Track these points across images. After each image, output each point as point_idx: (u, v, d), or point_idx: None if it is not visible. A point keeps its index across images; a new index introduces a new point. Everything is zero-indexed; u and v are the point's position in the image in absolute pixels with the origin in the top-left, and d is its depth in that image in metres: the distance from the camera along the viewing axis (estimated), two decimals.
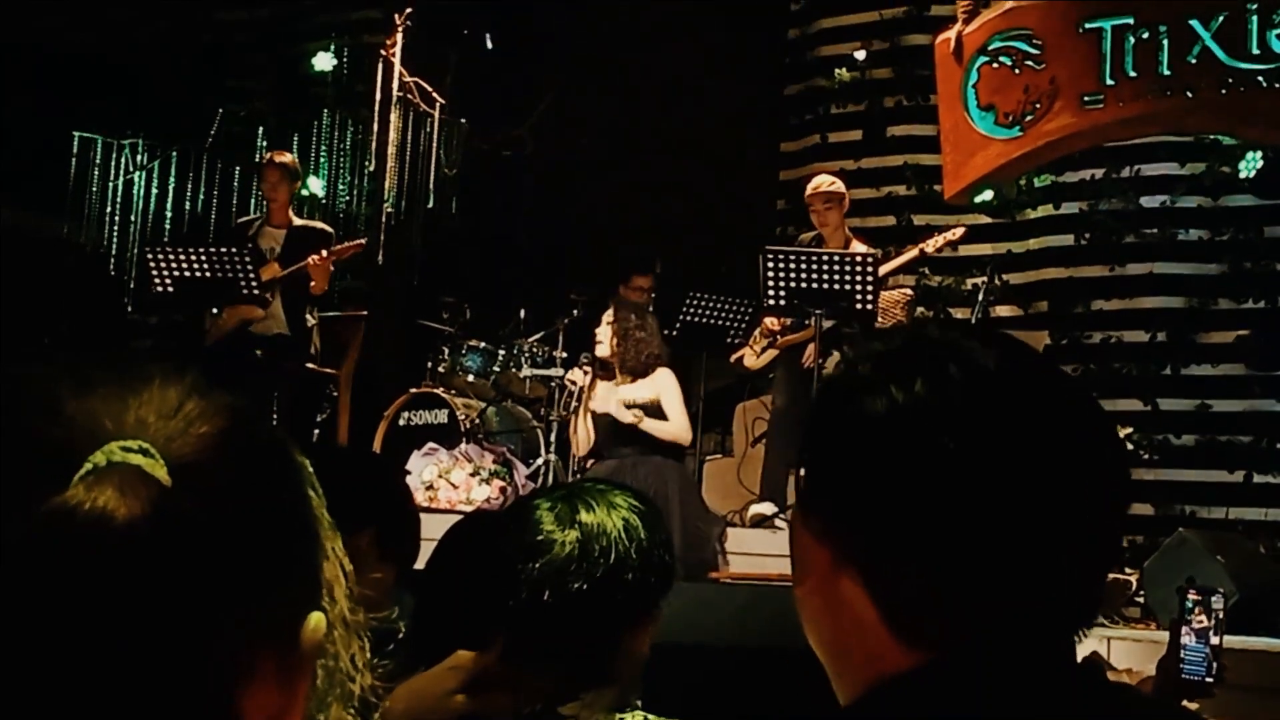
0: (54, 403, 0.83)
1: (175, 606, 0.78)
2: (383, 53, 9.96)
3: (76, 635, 0.76)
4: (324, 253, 8.42)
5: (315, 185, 12.21)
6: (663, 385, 7.45)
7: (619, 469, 7.11)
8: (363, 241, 8.82)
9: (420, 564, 2.72)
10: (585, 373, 7.75)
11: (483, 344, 9.77)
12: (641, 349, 7.47)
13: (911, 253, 8.60)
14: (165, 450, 0.81)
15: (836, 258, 7.72)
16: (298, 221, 8.92)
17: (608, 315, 7.62)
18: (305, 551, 0.89)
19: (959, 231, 8.61)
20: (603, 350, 7.56)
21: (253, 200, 9.05)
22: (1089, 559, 1.13)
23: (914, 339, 1.19)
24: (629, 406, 7.35)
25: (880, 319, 7.95)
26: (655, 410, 7.37)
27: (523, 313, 10.14)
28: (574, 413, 7.82)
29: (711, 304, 8.80)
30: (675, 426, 7.42)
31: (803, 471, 1.19)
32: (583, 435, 7.64)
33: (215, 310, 8.46)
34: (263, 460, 0.88)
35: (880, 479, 1.11)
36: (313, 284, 8.49)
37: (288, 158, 9.00)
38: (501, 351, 9.72)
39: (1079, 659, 1.16)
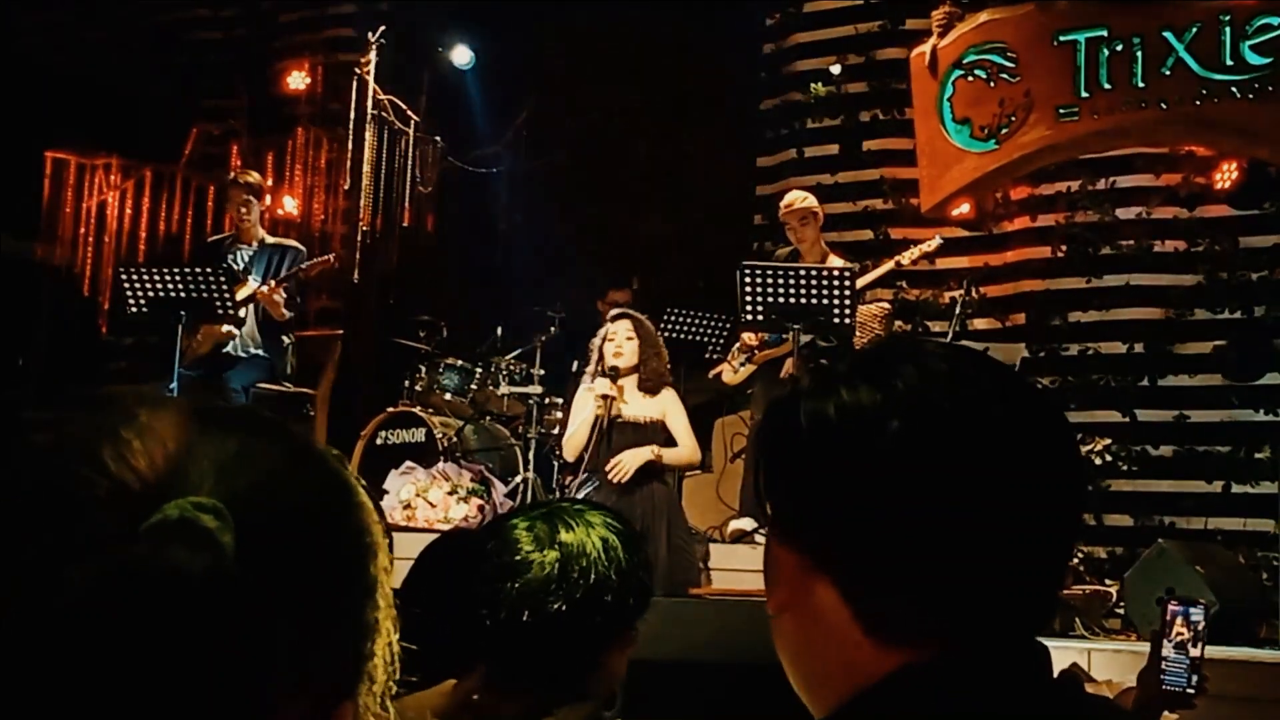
0: (150, 433, 0.82)
1: (198, 674, 0.78)
2: (357, 71, 9.94)
3: (121, 686, 0.76)
4: (271, 284, 8.36)
5: (290, 204, 12.18)
6: (670, 407, 7.26)
7: (607, 488, 7.01)
8: (330, 258, 8.73)
9: (396, 583, 2.69)
10: (612, 385, 7.40)
11: (460, 362, 9.74)
12: (665, 360, 7.34)
13: (887, 265, 8.59)
14: (242, 515, 0.80)
15: (813, 272, 7.72)
16: (270, 239, 8.86)
17: (624, 328, 7.30)
18: (351, 641, 0.87)
19: (934, 243, 8.60)
20: (625, 361, 7.21)
21: (228, 219, 9.00)
22: (1047, 552, 1.14)
23: (864, 353, 1.22)
24: (633, 424, 7.16)
25: (858, 333, 7.95)
26: (659, 429, 7.22)
27: (499, 330, 10.11)
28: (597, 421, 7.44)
29: (689, 319, 8.80)
30: (686, 451, 7.25)
31: (763, 489, 1.20)
32: (580, 438, 7.24)
33: (190, 330, 8.38)
34: (337, 545, 0.87)
35: (837, 478, 1.12)
36: (274, 313, 8.45)
37: (252, 176, 8.95)
38: (479, 369, 9.69)
39: (1058, 671, 1.16)
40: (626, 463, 7.00)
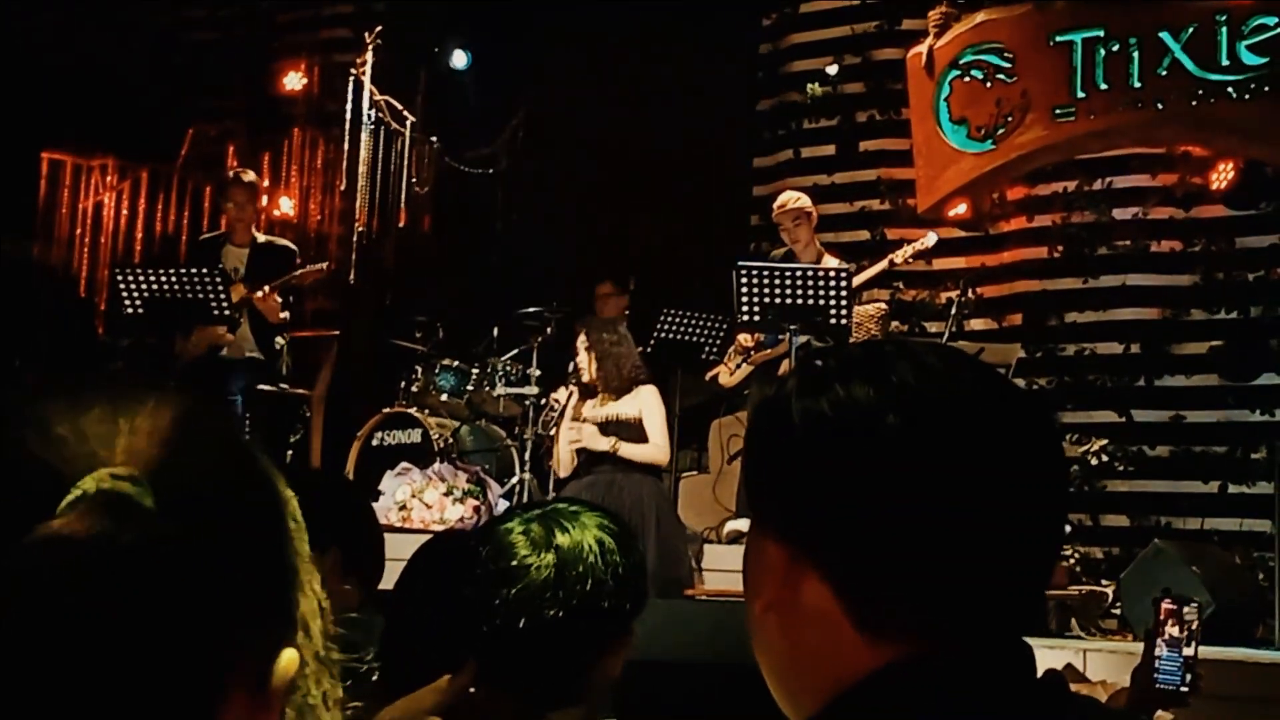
0: (44, 424, 0.82)
1: (153, 637, 0.78)
2: (353, 71, 9.93)
3: (52, 662, 0.75)
4: (266, 289, 8.34)
5: (286, 205, 12.17)
6: (645, 402, 7.27)
7: (595, 485, 7.03)
8: (323, 266, 8.72)
9: (390, 584, 2.70)
10: (570, 391, 7.59)
11: (456, 363, 9.72)
12: (622, 364, 7.29)
13: (881, 264, 8.59)
14: (154, 479, 0.80)
15: (809, 272, 7.71)
16: (262, 239, 8.84)
17: (581, 340, 7.42)
18: (283, 587, 0.88)
19: (928, 241, 8.58)
20: (587, 374, 7.36)
21: (224, 219, 9.00)
22: (1037, 550, 1.15)
23: (855, 351, 1.21)
24: (605, 424, 7.22)
25: (854, 334, 7.94)
26: (636, 427, 7.23)
27: (496, 331, 10.09)
28: (556, 431, 7.70)
29: (686, 320, 8.78)
30: (652, 449, 7.22)
31: (753, 486, 1.20)
32: (566, 456, 7.46)
33: (185, 333, 8.36)
34: (249, 495, 0.87)
35: (832, 473, 1.12)
36: (270, 317, 8.44)
37: (251, 175, 8.94)
38: (475, 370, 9.67)
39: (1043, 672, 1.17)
40: (583, 440, 7.23)
